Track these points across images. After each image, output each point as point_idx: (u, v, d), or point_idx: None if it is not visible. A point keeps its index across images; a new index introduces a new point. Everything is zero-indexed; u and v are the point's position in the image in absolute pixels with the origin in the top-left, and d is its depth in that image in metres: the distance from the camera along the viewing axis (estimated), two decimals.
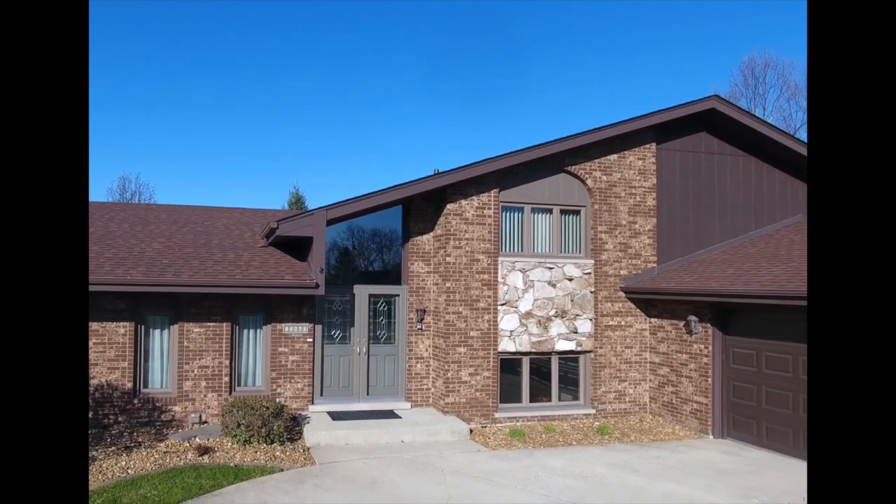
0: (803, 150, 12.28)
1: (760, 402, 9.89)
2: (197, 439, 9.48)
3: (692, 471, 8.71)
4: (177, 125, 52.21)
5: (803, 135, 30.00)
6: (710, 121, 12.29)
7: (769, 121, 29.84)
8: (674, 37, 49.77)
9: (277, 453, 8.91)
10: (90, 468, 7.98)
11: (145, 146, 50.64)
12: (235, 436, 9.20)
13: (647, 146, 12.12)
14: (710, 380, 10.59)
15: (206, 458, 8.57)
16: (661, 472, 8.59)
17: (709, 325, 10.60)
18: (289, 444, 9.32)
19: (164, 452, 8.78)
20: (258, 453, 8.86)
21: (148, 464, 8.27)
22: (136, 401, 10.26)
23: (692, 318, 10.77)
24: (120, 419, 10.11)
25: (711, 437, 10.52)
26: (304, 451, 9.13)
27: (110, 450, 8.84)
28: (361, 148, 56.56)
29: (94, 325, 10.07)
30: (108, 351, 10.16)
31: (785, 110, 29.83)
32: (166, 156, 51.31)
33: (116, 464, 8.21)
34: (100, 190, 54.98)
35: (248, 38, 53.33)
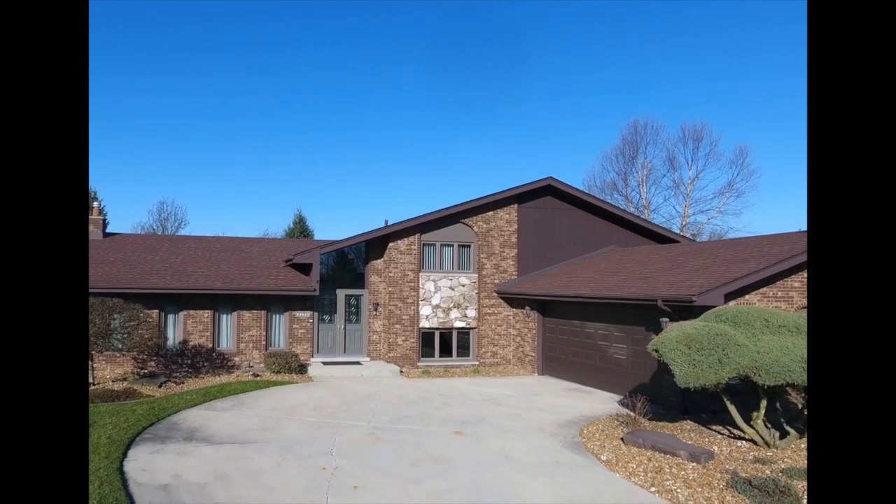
0: (610, 208, 20.56)
1: (557, 353, 18.06)
2: (251, 372, 17.63)
3: (508, 385, 16.85)
4: (181, 134, 60.53)
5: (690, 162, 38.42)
6: (551, 190, 20.44)
7: (653, 159, 38.82)
8: (672, 46, 57.79)
9: (294, 377, 17.06)
10: (203, 379, 16.16)
11: (166, 155, 58.88)
12: (271, 369, 17.37)
13: (512, 206, 20.28)
14: (536, 343, 18.74)
15: (258, 379, 16.73)
16: (490, 385, 16.72)
17: (536, 312, 18.75)
18: (300, 374, 17.48)
19: (236, 377, 16.98)
20: (284, 377, 17.01)
21: (230, 380, 16.47)
22: (213, 354, 18.40)
23: (527, 307, 18.93)
24: (205, 364, 18.26)
25: (537, 374, 18.66)
26: (308, 377, 17.27)
27: (206, 376, 17.03)
28: (362, 154, 64.53)
29: (192, 312, 18.24)
30: (198, 326, 18.32)
31: (663, 152, 41.27)
32: (178, 158, 59.57)
33: (213, 380, 16.43)
34: (142, 212, 63.31)
35: (247, 47, 60.99)
